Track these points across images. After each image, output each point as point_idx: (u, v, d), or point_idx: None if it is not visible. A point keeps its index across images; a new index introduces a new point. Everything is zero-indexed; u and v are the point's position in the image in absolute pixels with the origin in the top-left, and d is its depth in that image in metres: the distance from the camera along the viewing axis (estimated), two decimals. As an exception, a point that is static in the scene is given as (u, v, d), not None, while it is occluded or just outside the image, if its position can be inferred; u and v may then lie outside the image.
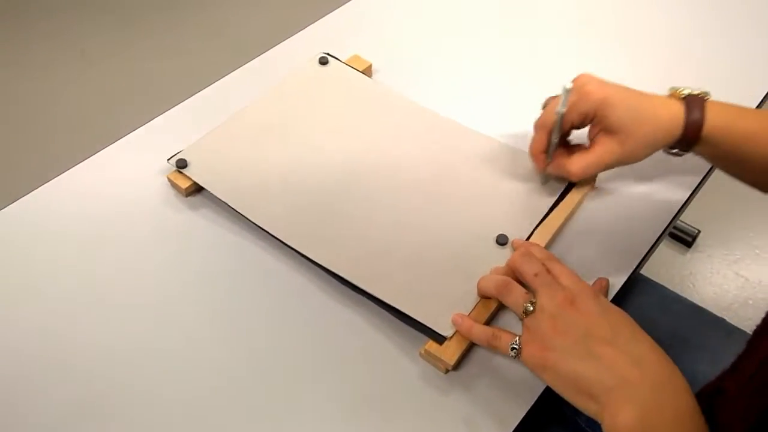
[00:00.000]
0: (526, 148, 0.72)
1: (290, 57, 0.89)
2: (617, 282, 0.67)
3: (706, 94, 0.66)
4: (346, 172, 0.75)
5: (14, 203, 0.74)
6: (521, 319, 0.58)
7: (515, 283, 0.61)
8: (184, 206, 0.74)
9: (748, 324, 0.55)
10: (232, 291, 0.67)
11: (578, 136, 0.71)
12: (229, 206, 0.71)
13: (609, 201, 0.74)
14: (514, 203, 0.72)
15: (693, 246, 1.66)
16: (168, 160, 0.74)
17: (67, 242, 0.70)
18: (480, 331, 0.59)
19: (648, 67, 0.89)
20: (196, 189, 0.74)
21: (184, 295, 0.66)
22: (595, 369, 0.52)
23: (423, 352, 0.61)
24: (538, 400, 0.59)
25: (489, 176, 0.74)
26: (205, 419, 0.58)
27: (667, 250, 1.66)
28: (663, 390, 0.50)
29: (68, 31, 2.30)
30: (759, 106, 0.84)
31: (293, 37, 0.94)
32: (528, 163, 0.74)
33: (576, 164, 0.68)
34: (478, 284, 0.63)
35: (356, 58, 0.88)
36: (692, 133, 0.64)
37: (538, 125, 0.69)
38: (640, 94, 0.66)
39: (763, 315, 0.54)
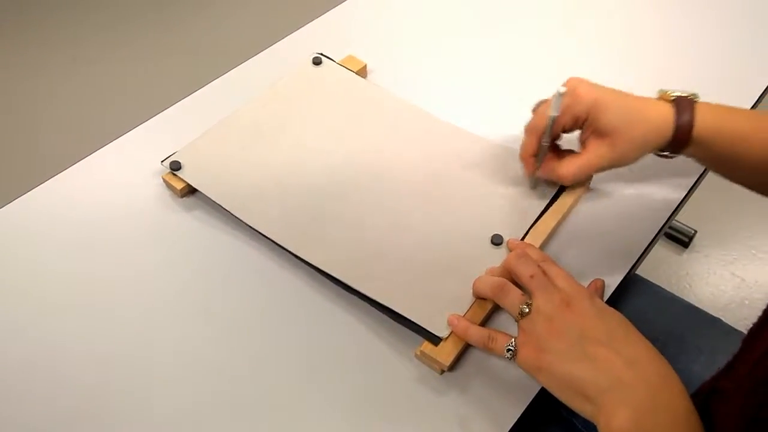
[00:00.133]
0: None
1: (285, 58, 0.89)
2: (613, 282, 0.67)
3: (695, 95, 0.66)
4: (340, 173, 0.74)
5: (7, 206, 0.73)
6: (517, 321, 0.58)
7: (511, 284, 0.61)
8: (180, 207, 0.73)
9: (745, 324, 0.55)
10: (227, 292, 0.67)
11: (568, 140, 0.71)
12: (223, 208, 0.71)
13: (604, 201, 0.74)
14: (509, 203, 0.72)
15: (689, 246, 1.66)
16: (162, 162, 0.74)
17: (62, 245, 0.70)
18: (476, 333, 0.59)
19: (642, 69, 0.89)
20: (191, 190, 0.74)
21: (179, 296, 0.66)
22: (590, 371, 0.52)
23: (418, 353, 0.61)
24: (533, 400, 0.59)
25: (484, 177, 0.74)
26: (200, 421, 0.58)
27: (663, 250, 1.66)
28: (658, 391, 0.50)
29: (60, 34, 2.29)
30: (754, 106, 0.84)
31: (288, 37, 0.94)
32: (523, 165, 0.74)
33: (567, 168, 0.68)
34: (474, 285, 0.63)
35: (351, 58, 0.87)
36: (683, 136, 0.64)
37: (529, 129, 0.69)
38: (631, 96, 0.66)
39: (759, 315, 0.54)
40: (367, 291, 0.64)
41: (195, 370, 0.61)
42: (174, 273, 0.68)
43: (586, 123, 0.66)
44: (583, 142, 0.69)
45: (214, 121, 0.79)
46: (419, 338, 0.61)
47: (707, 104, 0.65)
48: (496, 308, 0.63)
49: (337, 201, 0.72)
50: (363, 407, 0.59)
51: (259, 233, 0.69)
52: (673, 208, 0.74)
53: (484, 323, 0.63)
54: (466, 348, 0.61)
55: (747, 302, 1.56)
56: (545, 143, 0.68)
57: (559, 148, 0.72)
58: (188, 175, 0.73)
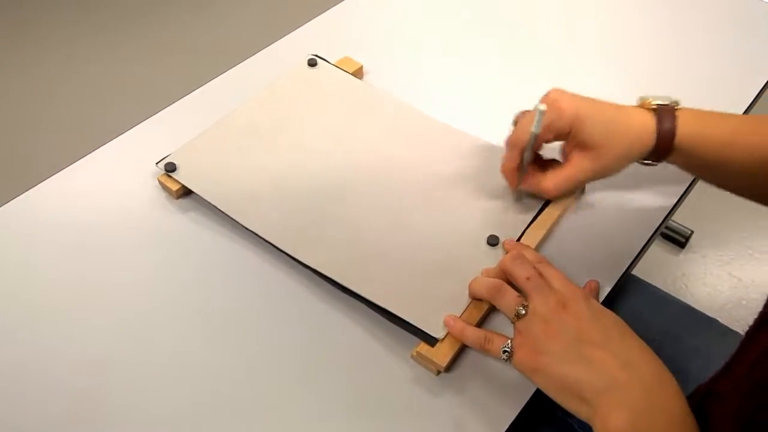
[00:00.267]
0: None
1: (281, 59, 0.89)
2: (609, 283, 0.67)
3: (676, 102, 0.66)
4: (337, 174, 0.74)
5: (1, 207, 0.73)
6: (513, 322, 0.58)
7: (507, 286, 0.61)
8: (175, 209, 0.73)
9: (742, 324, 0.54)
10: (223, 294, 0.66)
11: (550, 148, 0.71)
12: (219, 209, 0.71)
13: (600, 201, 0.74)
14: (505, 204, 0.72)
15: (686, 247, 1.67)
16: (157, 163, 0.74)
17: (56, 247, 0.70)
18: (472, 334, 0.59)
19: (633, 74, 0.89)
20: (187, 191, 0.73)
21: (175, 297, 0.66)
22: (586, 372, 0.52)
23: (415, 354, 0.61)
24: (529, 401, 0.59)
25: (480, 177, 0.74)
26: (197, 422, 0.58)
27: (660, 250, 1.66)
28: (654, 393, 0.50)
29: (55, 34, 2.29)
30: (747, 111, 0.84)
31: (284, 38, 0.94)
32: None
33: (550, 181, 0.68)
34: (470, 286, 0.63)
35: (347, 59, 0.87)
36: (665, 144, 0.64)
37: (511, 143, 0.68)
38: (612, 106, 0.66)
39: (756, 316, 0.54)
40: (363, 292, 0.64)
41: (191, 372, 0.61)
42: (170, 275, 0.68)
43: (569, 136, 0.66)
44: (566, 154, 0.68)
45: (210, 122, 0.78)
46: (415, 339, 0.61)
47: (689, 111, 0.65)
48: (492, 309, 0.63)
49: (333, 202, 0.72)
50: (359, 408, 0.59)
51: (255, 234, 0.69)
52: (670, 208, 0.74)
53: (480, 324, 0.63)
54: (463, 349, 0.61)
55: (744, 302, 1.57)
56: (527, 157, 0.67)
57: (542, 158, 0.72)
58: (183, 176, 0.73)
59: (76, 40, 2.26)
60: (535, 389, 0.59)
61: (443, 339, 0.60)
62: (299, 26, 0.96)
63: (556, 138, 0.67)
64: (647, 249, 0.72)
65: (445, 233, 0.69)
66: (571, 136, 0.66)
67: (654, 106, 0.65)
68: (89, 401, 0.59)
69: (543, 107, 0.62)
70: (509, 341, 0.57)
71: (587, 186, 0.74)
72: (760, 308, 0.53)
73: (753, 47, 0.93)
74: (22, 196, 0.74)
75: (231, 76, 0.88)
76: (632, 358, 0.52)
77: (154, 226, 0.72)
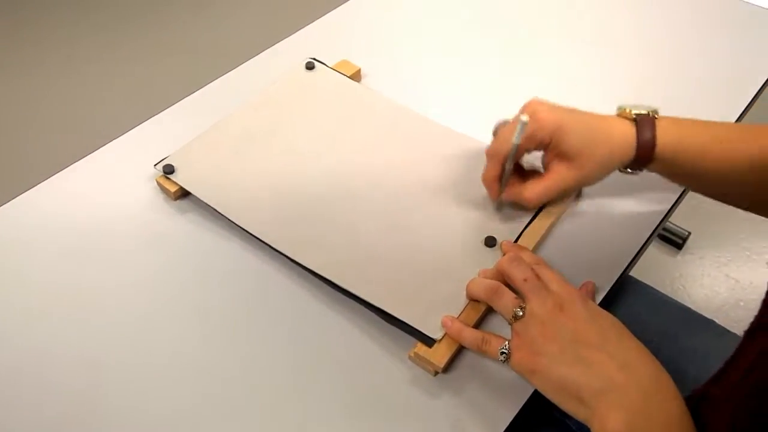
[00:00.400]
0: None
1: (280, 61, 0.89)
2: (606, 284, 0.67)
3: (655, 111, 0.66)
4: (334, 176, 0.74)
5: (0, 208, 0.73)
6: (510, 324, 0.58)
7: (505, 287, 0.61)
8: (174, 210, 0.73)
9: (739, 326, 0.55)
10: (220, 294, 0.66)
11: (532, 158, 0.71)
12: (217, 211, 0.71)
13: (597, 202, 0.74)
14: (503, 205, 0.72)
15: (683, 248, 1.67)
16: (155, 165, 0.74)
17: (55, 247, 0.70)
18: (470, 335, 0.59)
19: (632, 74, 0.89)
20: (185, 193, 0.73)
21: (173, 298, 0.66)
22: (583, 374, 0.52)
23: (412, 354, 0.61)
24: (527, 402, 0.59)
25: (478, 178, 0.74)
26: (194, 423, 0.58)
27: (657, 252, 1.67)
28: (651, 394, 0.50)
29: (54, 35, 2.29)
30: (741, 116, 0.85)
31: (283, 41, 0.94)
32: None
33: (531, 191, 0.68)
34: (467, 287, 0.63)
35: (345, 62, 0.87)
36: (645, 153, 0.65)
37: (491, 154, 0.68)
38: (592, 116, 0.66)
39: (753, 317, 0.54)
40: (360, 293, 0.64)
41: (189, 373, 0.61)
42: (168, 275, 0.68)
43: (549, 146, 0.66)
44: (546, 164, 0.69)
45: (208, 125, 0.79)
46: (413, 340, 0.61)
47: (668, 120, 0.66)
48: (490, 310, 0.63)
49: (330, 204, 0.72)
50: (357, 409, 0.59)
51: (253, 236, 0.69)
52: (667, 210, 0.74)
53: (477, 325, 0.63)
54: (460, 350, 0.61)
55: (742, 304, 1.57)
56: (509, 167, 0.67)
57: (523, 168, 0.72)
58: (181, 178, 0.73)
59: (74, 42, 2.26)
60: (532, 390, 0.59)
61: (441, 340, 0.60)
62: (298, 29, 0.96)
63: (537, 148, 0.67)
64: (645, 250, 0.72)
65: (443, 234, 0.69)
66: (552, 146, 0.66)
67: (633, 116, 0.66)
68: (87, 403, 0.59)
69: (525, 118, 0.62)
70: (507, 343, 0.57)
71: (585, 188, 0.75)
72: (757, 310, 0.53)
73: (748, 50, 0.93)
74: (20, 197, 0.74)
75: (230, 79, 0.88)
76: (630, 359, 0.52)
77: (152, 227, 0.72)
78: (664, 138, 0.64)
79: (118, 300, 0.66)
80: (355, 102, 0.83)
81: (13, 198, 0.74)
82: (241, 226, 0.69)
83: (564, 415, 0.64)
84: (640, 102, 0.68)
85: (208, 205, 0.71)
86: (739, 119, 0.84)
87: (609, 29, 0.97)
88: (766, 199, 0.66)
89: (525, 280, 0.60)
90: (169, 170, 0.73)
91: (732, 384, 0.51)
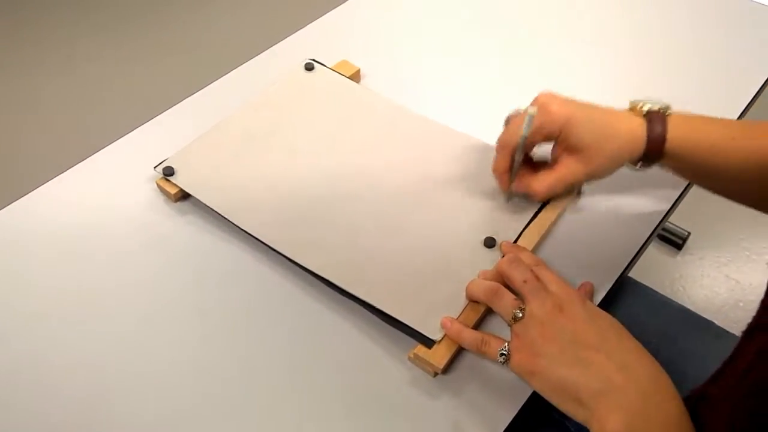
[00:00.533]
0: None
1: (279, 62, 0.89)
2: (605, 285, 0.67)
3: (667, 107, 0.66)
4: (333, 176, 0.75)
5: (0, 211, 0.73)
6: (510, 325, 0.58)
7: (504, 289, 0.61)
8: (174, 212, 0.73)
9: (739, 327, 0.55)
10: (220, 295, 0.67)
11: (543, 150, 0.71)
12: (217, 212, 0.71)
13: (597, 203, 0.74)
14: (502, 206, 0.72)
15: (683, 248, 1.67)
16: (155, 167, 0.74)
17: (56, 249, 0.70)
18: (469, 336, 0.60)
19: (632, 75, 0.89)
20: (185, 194, 0.74)
21: (174, 300, 0.66)
22: (582, 375, 0.52)
23: (412, 355, 0.61)
24: (526, 403, 0.59)
25: (477, 179, 0.74)
26: (194, 425, 0.58)
27: (656, 252, 1.67)
28: (651, 395, 0.50)
29: (54, 36, 2.29)
30: (743, 113, 0.85)
31: (282, 42, 0.94)
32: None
33: (540, 183, 0.68)
34: (467, 289, 0.63)
35: (344, 63, 0.88)
36: (655, 149, 0.65)
37: (501, 145, 0.68)
38: (602, 111, 0.66)
39: (752, 318, 0.54)
40: (360, 294, 0.64)
41: (188, 373, 0.61)
42: (168, 277, 0.68)
43: (558, 139, 0.66)
44: (555, 157, 0.69)
45: (208, 126, 0.79)
46: (412, 341, 0.61)
47: (679, 116, 0.66)
48: (489, 311, 0.63)
49: (330, 205, 0.72)
50: (356, 410, 0.59)
51: (253, 237, 0.69)
52: (667, 210, 0.74)
53: (477, 326, 0.63)
54: (460, 351, 0.61)
55: (741, 305, 1.57)
56: (518, 159, 0.68)
57: (533, 160, 0.72)
58: (181, 180, 0.73)
59: (73, 44, 2.26)
60: (532, 391, 0.59)
61: (440, 341, 0.60)
62: (298, 29, 0.96)
63: (546, 140, 0.67)
64: (644, 251, 0.72)
65: (442, 235, 0.69)
66: (561, 139, 0.66)
67: (644, 111, 0.66)
68: (87, 405, 0.59)
69: (533, 111, 0.63)
70: (506, 344, 0.57)
71: (584, 188, 0.75)
72: (755, 313, 0.53)
73: (749, 47, 0.93)
74: (20, 200, 0.74)
75: (229, 80, 0.89)
76: (629, 360, 0.52)
77: (153, 229, 0.72)
78: (675, 134, 0.64)
79: (119, 302, 0.66)
80: (355, 102, 0.83)
81: (13, 201, 0.74)
82: (241, 227, 0.69)
83: (563, 417, 0.64)
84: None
85: (208, 207, 0.71)
86: (740, 117, 0.84)
87: (609, 28, 0.97)
88: None
89: (524, 281, 0.60)
90: (168, 172, 0.73)
91: (730, 384, 0.51)
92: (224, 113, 0.80)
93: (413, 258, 0.67)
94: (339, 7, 1.00)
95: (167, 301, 0.66)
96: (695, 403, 0.54)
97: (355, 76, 0.87)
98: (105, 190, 0.75)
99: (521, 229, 0.70)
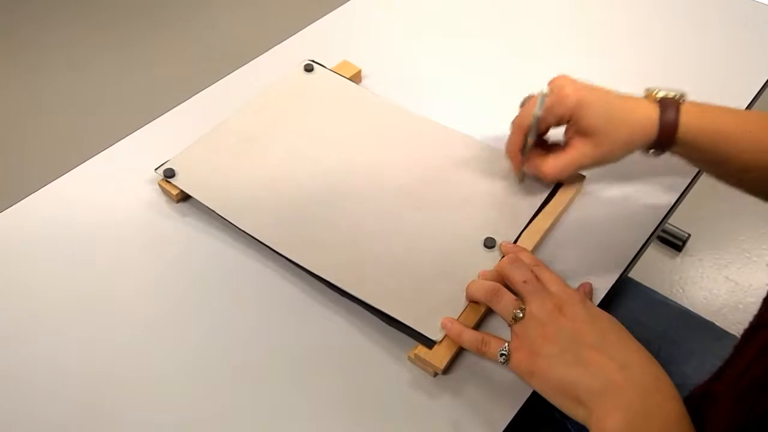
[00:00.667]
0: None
1: (280, 63, 0.89)
2: (605, 285, 0.67)
3: (682, 95, 0.66)
4: (333, 177, 0.75)
5: (3, 212, 0.73)
6: (510, 326, 0.58)
7: (505, 289, 0.61)
8: (176, 213, 0.73)
9: (738, 328, 0.55)
10: (222, 296, 0.67)
11: (556, 134, 0.71)
12: (218, 214, 0.71)
13: (597, 203, 0.74)
14: (502, 206, 0.72)
15: (683, 250, 1.67)
16: (156, 169, 0.74)
17: (57, 252, 0.70)
18: (470, 336, 0.60)
19: (633, 76, 0.89)
20: (187, 195, 0.74)
21: (175, 300, 0.66)
22: (582, 375, 0.52)
23: (412, 356, 0.61)
24: (526, 403, 0.59)
25: (477, 179, 0.74)
26: (195, 424, 0.58)
27: (657, 254, 1.67)
28: (650, 395, 0.50)
29: (53, 39, 2.29)
30: (749, 106, 0.85)
31: (283, 43, 0.94)
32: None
33: (550, 165, 0.68)
34: (467, 289, 0.64)
35: (345, 63, 0.88)
36: (667, 135, 0.65)
37: (515, 125, 0.69)
38: (616, 96, 0.66)
39: (752, 319, 0.54)
40: (360, 295, 0.64)
41: (188, 374, 0.61)
42: (170, 277, 0.68)
43: (570, 121, 0.67)
44: (567, 140, 0.69)
45: (208, 128, 0.79)
46: (412, 341, 0.61)
47: (694, 104, 0.65)
48: (490, 311, 0.63)
49: (330, 205, 0.72)
50: (357, 410, 0.59)
51: (254, 238, 0.69)
52: (666, 211, 0.74)
53: (477, 326, 0.63)
54: (460, 351, 0.62)
55: (741, 306, 1.57)
56: (530, 140, 0.68)
57: (546, 142, 0.72)
58: (182, 182, 0.73)
59: (73, 46, 2.27)
60: (532, 391, 0.59)
61: (440, 341, 0.61)
62: (299, 30, 0.96)
63: (558, 123, 0.67)
64: (644, 252, 0.72)
65: (442, 236, 0.69)
66: (572, 122, 0.66)
67: (659, 97, 0.66)
68: (89, 406, 0.59)
69: (546, 91, 0.64)
70: (506, 344, 0.57)
71: (584, 189, 0.75)
72: (756, 312, 0.53)
73: (751, 47, 0.93)
74: (21, 202, 0.74)
75: (229, 81, 0.89)
76: (629, 360, 0.52)
77: (155, 230, 0.72)
78: (689, 122, 0.64)
79: (120, 302, 0.66)
80: (354, 103, 0.83)
81: (14, 203, 0.74)
82: (241, 228, 0.70)
83: (564, 416, 0.64)
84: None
85: (209, 208, 0.71)
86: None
87: (609, 28, 0.97)
88: None
89: (524, 281, 0.60)
90: (169, 174, 0.73)
91: (732, 381, 0.52)
92: (225, 115, 0.80)
93: (413, 259, 0.67)
94: (340, 7, 1.00)
95: (168, 302, 0.66)
96: (697, 400, 0.54)
97: (356, 77, 0.87)
98: (107, 191, 0.75)
99: (521, 230, 0.70)
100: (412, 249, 0.68)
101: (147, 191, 0.75)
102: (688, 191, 0.78)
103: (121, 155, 0.79)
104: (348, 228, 0.70)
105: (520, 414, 0.58)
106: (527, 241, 0.68)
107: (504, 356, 0.57)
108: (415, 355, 0.60)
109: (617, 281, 0.68)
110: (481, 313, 0.63)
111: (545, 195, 0.72)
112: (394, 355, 0.62)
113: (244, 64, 0.91)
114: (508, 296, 0.60)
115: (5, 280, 0.68)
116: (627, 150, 0.67)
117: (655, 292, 0.85)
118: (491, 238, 0.68)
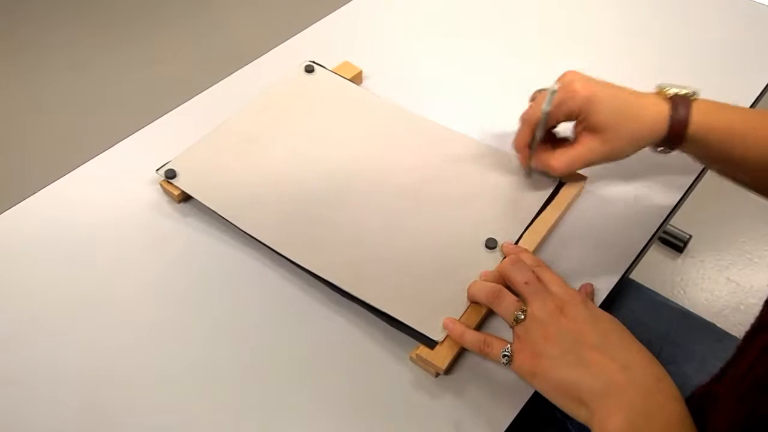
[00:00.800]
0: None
1: (280, 65, 0.89)
2: (606, 286, 0.67)
3: (694, 93, 0.66)
4: (335, 178, 0.75)
5: (4, 213, 0.73)
6: (511, 327, 0.58)
7: (506, 291, 0.61)
8: (177, 213, 0.73)
9: (740, 329, 0.55)
10: (223, 297, 0.67)
11: (566, 128, 0.71)
12: (219, 215, 0.71)
13: (598, 204, 0.74)
14: (504, 206, 0.72)
15: (684, 251, 1.67)
16: (157, 170, 0.74)
17: (59, 251, 0.70)
18: (471, 337, 0.60)
19: (633, 77, 0.89)
20: (189, 195, 0.74)
21: (177, 300, 0.66)
22: (584, 375, 0.52)
23: (414, 356, 0.61)
24: (528, 403, 0.59)
25: (478, 180, 0.74)
26: (196, 425, 0.58)
27: (658, 255, 1.67)
28: (652, 395, 0.50)
29: (54, 39, 2.29)
30: (753, 105, 0.85)
31: (284, 43, 0.94)
32: (518, 167, 0.74)
33: (558, 160, 0.68)
34: (468, 290, 0.64)
35: (346, 64, 0.88)
36: (677, 133, 0.64)
37: (524, 119, 0.69)
38: (626, 92, 0.66)
39: (753, 320, 0.54)
40: (362, 295, 0.64)
41: (190, 374, 0.61)
42: (171, 278, 0.68)
43: (579, 117, 0.66)
44: (576, 135, 0.69)
45: (209, 128, 0.79)
46: (414, 342, 0.61)
47: (705, 101, 0.65)
48: (491, 311, 0.63)
49: (331, 206, 0.72)
50: (358, 411, 0.59)
51: (255, 239, 0.69)
52: (668, 212, 0.74)
53: (479, 326, 0.63)
54: (461, 351, 0.62)
55: (742, 307, 1.57)
56: (539, 135, 0.68)
57: (555, 136, 0.72)
58: (183, 183, 0.73)
59: (74, 46, 2.27)
60: (533, 391, 0.59)
61: (442, 342, 0.60)
62: (300, 31, 0.96)
63: (567, 118, 0.67)
64: (645, 253, 0.72)
65: (444, 236, 0.69)
66: (582, 118, 0.66)
67: (670, 95, 0.66)
68: (89, 407, 0.59)
69: (555, 86, 0.63)
70: (509, 345, 0.57)
71: (586, 189, 0.75)
72: (757, 313, 0.53)
73: (753, 48, 0.93)
74: (22, 203, 0.74)
75: (231, 82, 0.89)
76: (630, 360, 0.52)
77: (157, 230, 0.72)
78: (699, 118, 0.64)
79: (122, 302, 0.66)
80: (355, 104, 0.83)
81: (15, 204, 0.74)
82: (242, 229, 0.70)
83: (565, 417, 0.64)
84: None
85: (210, 209, 0.71)
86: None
87: (609, 29, 0.97)
88: None
89: (526, 282, 0.60)
90: (170, 175, 0.73)
91: (734, 381, 0.52)
92: (226, 115, 0.80)
93: (415, 259, 0.67)
94: (341, 8, 1.00)
95: (169, 302, 0.66)
96: (699, 401, 0.54)
97: (357, 78, 0.87)
98: (108, 191, 0.75)
99: (522, 231, 0.70)
100: (413, 249, 0.68)
101: (148, 192, 0.75)
102: (690, 192, 0.78)
103: (122, 156, 0.79)
104: (349, 228, 0.70)
105: (522, 414, 0.58)
106: (528, 242, 0.68)
107: (507, 357, 0.57)
108: (417, 355, 0.60)
109: (618, 282, 0.68)
110: (483, 314, 0.63)
111: (547, 195, 0.72)
112: (395, 356, 0.62)
113: (245, 64, 0.91)
114: (510, 298, 0.60)
115: (6, 281, 0.68)
116: (636, 146, 0.67)
117: (657, 294, 0.85)
118: (492, 238, 0.68)
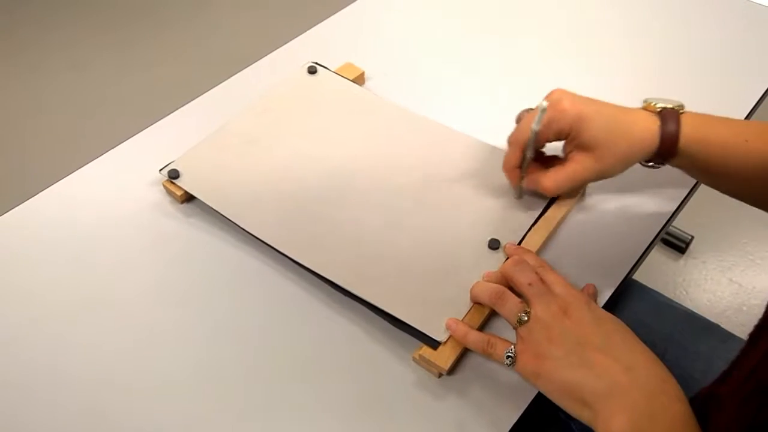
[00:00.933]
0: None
1: (283, 66, 0.90)
2: (609, 288, 0.67)
3: (681, 106, 0.66)
4: (337, 179, 0.75)
5: (6, 214, 0.73)
6: (515, 328, 0.58)
7: (509, 292, 0.61)
8: (180, 213, 0.74)
9: (742, 330, 0.55)
10: (226, 297, 0.67)
11: (554, 147, 0.71)
12: (222, 215, 0.71)
13: (601, 205, 0.74)
14: (506, 207, 0.72)
15: (686, 252, 1.67)
16: (160, 170, 0.74)
17: (62, 251, 0.70)
18: (475, 338, 0.59)
19: (633, 78, 0.89)
20: (191, 196, 0.74)
21: (180, 300, 0.66)
22: (588, 376, 0.52)
23: (417, 357, 0.61)
24: (531, 404, 0.59)
25: (481, 181, 0.74)
26: (197, 425, 0.58)
27: (660, 256, 1.66)
28: (656, 397, 0.50)
29: (57, 40, 2.30)
30: (752, 110, 0.85)
31: (287, 45, 0.94)
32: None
33: (550, 180, 0.68)
34: (471, 291, 0.63)
35: (349, 65, 0.88)
36: (668, 147, 0.64)
37: (512, 141, 0.68)
38: (615, 108, 0.66)
39: (756, 321, 0.54)
40: (365, 295, 0.64)
41: (193, 376, 0.61)
42: (174, 278, 0.68)
43: (569, 136, 0.66)
44: (566, 154, 0.68)
45: (212, 129, 0.79)
46: (417, 342, 0.61)
47: (693, 115, 0.65)
48: (494, 312, 0.63)
49: (334, 207, 0.72)
50: (361, 411, 0.59)
51: (258, 239, 0.69)
52: (670, 214, 0.74)
53: (482, 327, 0.63)
54: (465, 352, 0.61)
55: (745, 308, 1.57)
56: (529, 155, 0.67)
57: (544, 156, 0.72)
58: (186, 183, 0.73)
59: (77, 47, 2.27)
60: (537, 392, 0.59)
61: (445, 342, 0.60)
62: (302, 32, 0.96)
63: (557, 137, 0.67)
64: (648, 254, 0.72)
65: (447, 237, 0.69)
66: (572, 137, 0.66)
67: (658, 109, 0.65)
68: (90, 408, 0.59)
69: (545, 105, 0.63)
70: (512, 346, 0.57)
71: (588, 190, 0.75)
72: (760, 314, 0.53)
73: (753, 50, 0.93)
74: (25, 203, 0.74)
75: (233, 83, 0.89)
76: (634, 361, 0.52)
77: (160, 230, 0.72)
78: (689, 132, 0.64)
79: (125, 304, 0.66)
80: (357, 105, 0.83)
81: (18, 205, 0.74)
82: (245, 228, 0.70)
83: (568, 417, 0.64)
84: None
85: (213, 209, 0.71)
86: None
87: (609, 30, 0.97)
88: None
89: (529, 283, 0.60)
90: (173, 175, 0.73)
91: (738, 383, 0.51)
92: (229, 116, 0.80)
93: (418, 260, 0.67)
94: (344, 9, 1.00)
95: (172, 302, 0.66)
96: (702, 402, 0.54)
97: (360, 79, 0.87)
98: (111, 192, 0.75)
99: (525, 231, 0.70)
100: (416, 249, 0.68)
101: (151, 192, 0.75)
102: (693, 193, 0.78)
103: (124, 156, 0.80)
104: (352, 229, 0.70)
105: (525, 415, 0.58)
106: (532, 243, 0.68)
107: (510, 358, 0.57)
108: (420, 355, 0.60)
109: (621, 283, 0.68)
110: (486, 314, 0.63)
111: (549, 197, 0.72)
112: (398, 356, 0.62)
113: (248, 65, 0.91)
114: (513, 299, 0.60)
115: (6, 283, 0.68)
116: (627, 163, 0.67)
117: (660, 295, 0.85)
118: (495, 239, 0.68)
